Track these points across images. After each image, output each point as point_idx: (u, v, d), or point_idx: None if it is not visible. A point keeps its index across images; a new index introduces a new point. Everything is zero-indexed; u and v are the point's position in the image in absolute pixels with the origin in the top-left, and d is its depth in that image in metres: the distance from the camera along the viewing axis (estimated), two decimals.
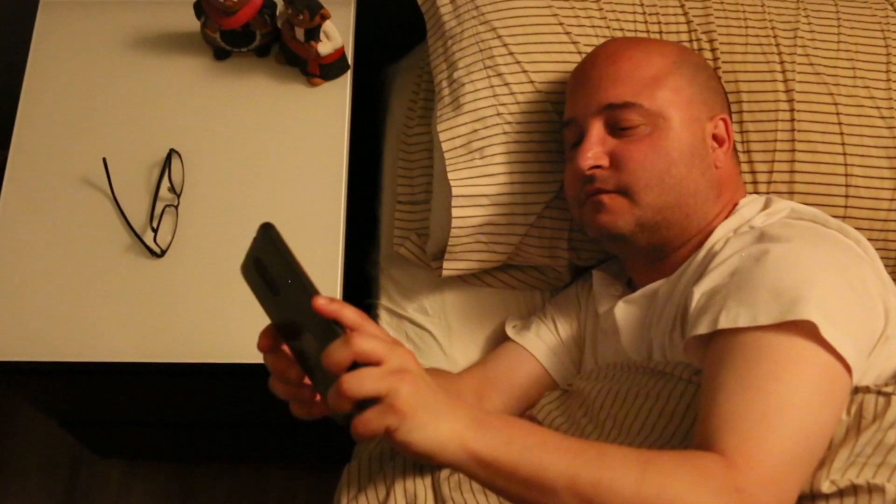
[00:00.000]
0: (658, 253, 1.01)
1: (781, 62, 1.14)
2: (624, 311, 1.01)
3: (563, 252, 1.14)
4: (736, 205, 1.02)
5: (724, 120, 1.02)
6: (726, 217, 1.00)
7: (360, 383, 0.64)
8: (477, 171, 1.09)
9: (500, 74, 1.11)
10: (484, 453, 0.69)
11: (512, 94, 1.11)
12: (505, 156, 1.09)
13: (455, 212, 1.08)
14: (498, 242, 1.11)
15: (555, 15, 1.16)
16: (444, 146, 1.09)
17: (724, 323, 0.83)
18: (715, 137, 1.01)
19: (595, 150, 0.97)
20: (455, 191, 1.08)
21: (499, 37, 1.13)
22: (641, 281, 1.03)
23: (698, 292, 0.90)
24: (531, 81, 1.12)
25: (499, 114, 1.10)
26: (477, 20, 1.15)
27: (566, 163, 1.05)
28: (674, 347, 0.94)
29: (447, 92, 1.13)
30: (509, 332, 1.13)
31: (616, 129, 0.98)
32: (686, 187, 0.97)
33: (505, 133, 1.10)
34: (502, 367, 1.10)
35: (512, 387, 1.09)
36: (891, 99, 1.13)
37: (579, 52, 1.14)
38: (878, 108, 1.12)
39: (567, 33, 1.15)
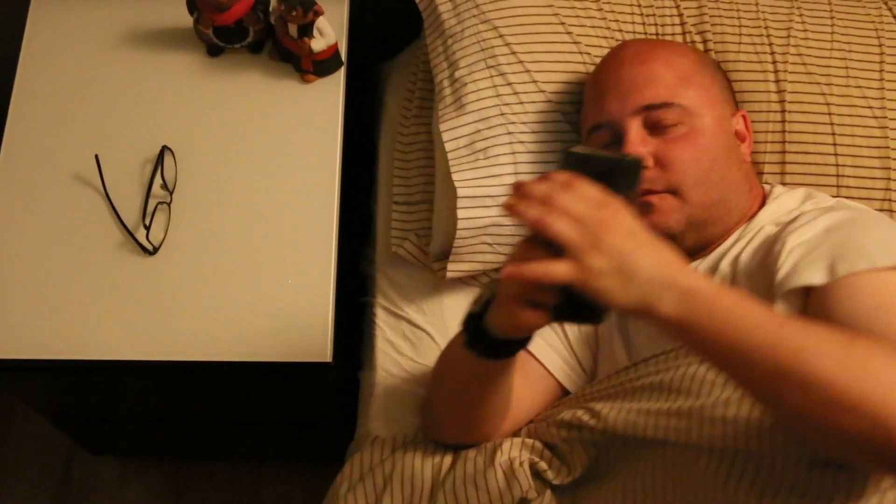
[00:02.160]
0: (694, 250, 1.01)
1: (774, 62, 1.15)
2: None
3: None
4: (765, 196, 1.04)
5: (744, 116, 1.05)
6: (758, 209, 1.02)
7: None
8: (482, 172, 1.08)
9: (502, 74, 1.11)
10: (684, 323, 0.67)
11: (515, 94, 1.10)
12: (510, 156, 1.09)
13: (461, 213, 1.07)
14: (503, 244, 1.10)
15: (556, 14, 1.15)
16: (447, 146, 1.09)
17: (842, 271, 0.83)
18: (737, 133, 1.03)
19: (641, 151, 0.97)
20: (460, 192, 1.07)
21: (501, 36, 1.13)
22: None
23: (792, 242, 0.89)
24: (534, 81, 1.11)
25: (502, 114, 1.09)
26: (478, 19, 1.14)
27: None
28: None
29: (449, 91, 1.12)
30: None
31: (655, 130, 0.98)
32: (728, 183, 0.99)
33: (509, 133, 1.09)
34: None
35: (521, 398, 1.03)
36: (883, 98, 1.13)
37: (581, 53, 1.14)
38: (870, 107, 1.12)
39: (569, 33, 1.15)
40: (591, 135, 1.03)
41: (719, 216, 0.99)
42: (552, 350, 1.05)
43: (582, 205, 0.68)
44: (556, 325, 1.08)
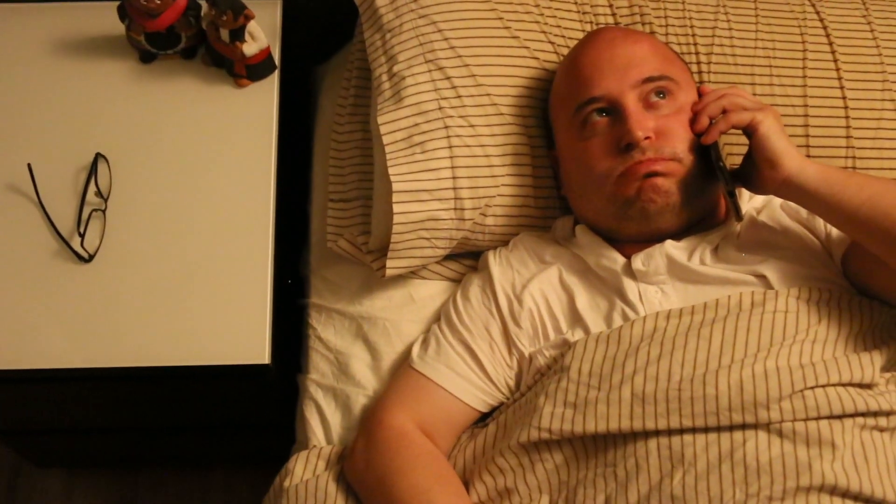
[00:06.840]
0: (677, 229, 1.04)
1: (698, 62, 1.18)
2: (679, 252, 1.04)
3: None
4: None
5: None
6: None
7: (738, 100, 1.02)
8: (418, 166, 1.08)
9: (441, 69, 1.12)
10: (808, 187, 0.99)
11: (454, 87, 1.11)
12: (447, 150, 1.09)
13: (397, 207, 1.06)
14: (441, 238, 1.11)
15: (493, 9, 1.17)
16: (385, 139, 1.08)
17: None
18: None
19: (646, 122, 1.01)
20: (396, 186, 1.07)
21: (439, 31, 1.13)
22: (627, 253, 1.05)
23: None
24: (473, 76, 1.12)
25: (440, 108, 1.10)
26: (416, 13, 1.15)
27: (580, 142, 1.05)
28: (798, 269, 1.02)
29: (387, 86, 1.12)
30: (425, 371, 1.06)
31: (647, 106, 1.03)
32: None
33: (447, 127, 1.09)
34: (439, 417, 1.05)
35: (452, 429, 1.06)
36: (806, 96, 1.17)
37: (521, 47, 1.15)
38: (793, 105, 1.16)
39: (507, 27, 1.16)
40: (582, 109, 1.05)
41: (708, 194, 1.05)
42: (459, 377, 1.05)
43: (746, 95, 1.04)
44: (466, 356, 1.06)
